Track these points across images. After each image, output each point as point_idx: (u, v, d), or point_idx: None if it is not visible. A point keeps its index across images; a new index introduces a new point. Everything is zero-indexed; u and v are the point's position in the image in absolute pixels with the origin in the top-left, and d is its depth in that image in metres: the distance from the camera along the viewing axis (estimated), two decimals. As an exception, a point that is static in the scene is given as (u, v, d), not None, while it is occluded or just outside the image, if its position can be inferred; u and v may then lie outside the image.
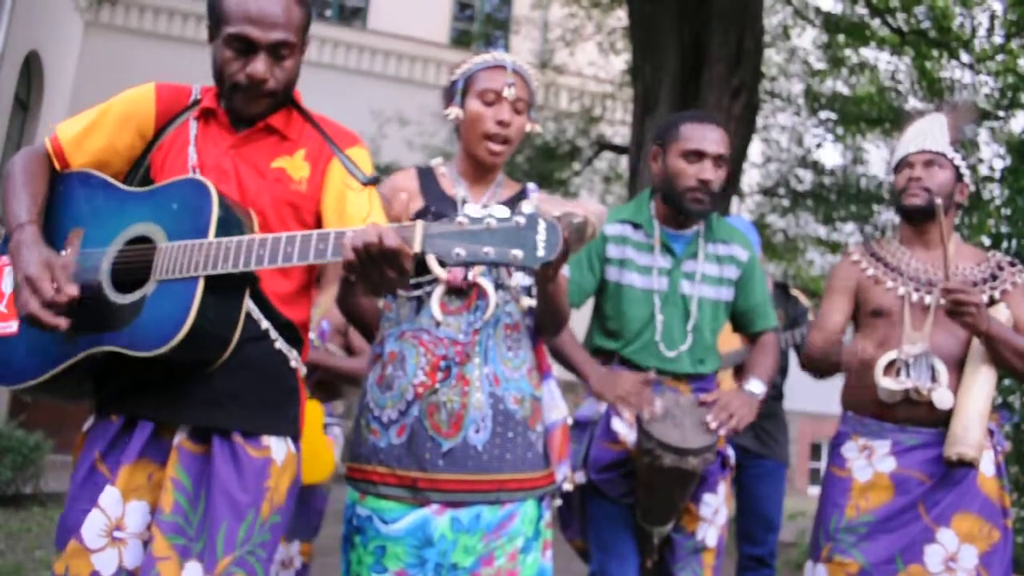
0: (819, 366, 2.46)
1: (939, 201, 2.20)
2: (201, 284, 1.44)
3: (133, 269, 1.52)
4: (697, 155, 2.30)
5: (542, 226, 1.27)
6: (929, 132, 2.39)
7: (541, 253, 1.26)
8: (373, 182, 1.66)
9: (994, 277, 2.35)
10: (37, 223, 1.56)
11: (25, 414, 7.40)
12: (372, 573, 1.82)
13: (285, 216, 1.66)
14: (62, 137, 1.67)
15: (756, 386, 2.31)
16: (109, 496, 1.51)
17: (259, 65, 1.59)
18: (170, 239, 1.50)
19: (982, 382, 2.21)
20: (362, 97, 11.22)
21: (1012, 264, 2.38)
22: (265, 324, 1.60)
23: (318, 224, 1.71)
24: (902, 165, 2.42)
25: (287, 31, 1.60)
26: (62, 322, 1.46)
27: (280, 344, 1.63)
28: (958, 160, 2.37)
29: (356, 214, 1.66)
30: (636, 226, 2.39)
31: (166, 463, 1.54)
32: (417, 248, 1.31)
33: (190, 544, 1.50)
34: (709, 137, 2.31)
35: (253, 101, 1.63)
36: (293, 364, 1.67)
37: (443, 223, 1.31)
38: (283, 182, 1.67)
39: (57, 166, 1.66)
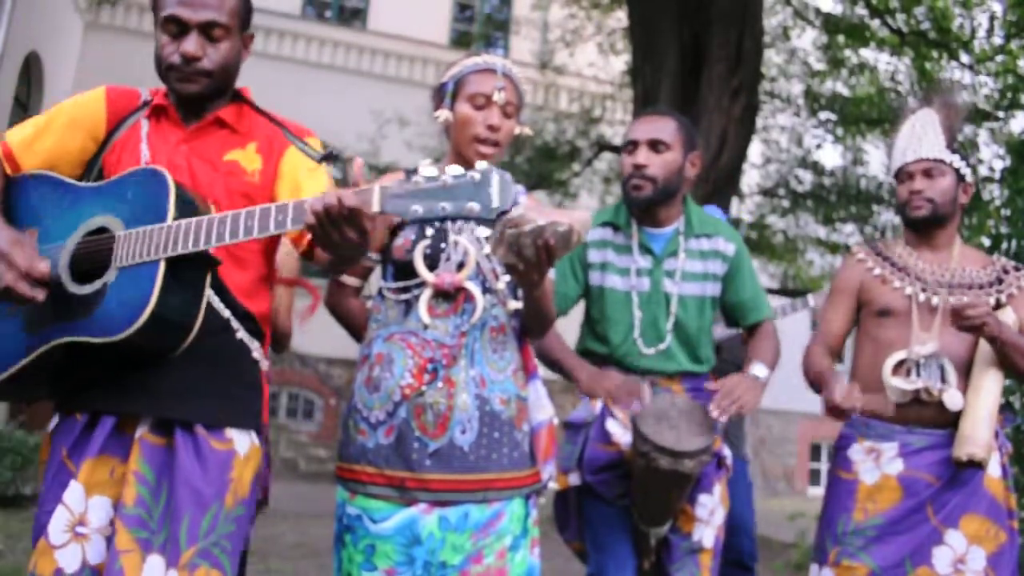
0: (808, 378, 2.45)
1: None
2: (162, 266, 1.46)
3: (93, 261, 1.53)
4: (632, 144, 2.35)
5: (496, 179, 1.30)
6: (923, 136, 2.37)
7: (496, 203, 1.30)
8: (326, 158, 1.69)
9: (999, 280, 2.34)
10: None
11: (25, 415, 7.41)
12: (362, 571, 1.84)
13: (239, 207, 1.64)
14: (12, 141, 1.68)
15: (760, 369, 2.29)
16: (72, 492, 1.53)
17: (190, 44, 1.64)
18: (127, 227, 1.51)
19: (990, 383, 2.21)
20: (362, 98, 11.23)
21: (1017, 268, 2.37)
22: (226, 314, 1.63)
23: None
24: (901, 175, 2.41)
25: (217, 12, 1.66)
26: (40, 293, 1.49)
27: (242, 335, 1.66)
28: (957, 162, 2.36)
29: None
30: (616, 228, 2.40)
31: (127, 458, 1.55)
32: (376, 208, 1.35)
33: (152, 537, 1.51)
34: (639, 127, 2.36)
35: (188, 81, 1.66)
36: (255, 356, 1.69)
37: (400, 183, 1.34)
38: (236, 174, 1.69)
39: (8, 170, 1.67)
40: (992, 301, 2.30)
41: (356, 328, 2.10)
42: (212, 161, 1.69)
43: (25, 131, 1.70)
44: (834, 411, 2.19)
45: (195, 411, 1.58)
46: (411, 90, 11.76)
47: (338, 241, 1.41)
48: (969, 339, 2.26)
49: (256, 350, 1.69)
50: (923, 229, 2.38)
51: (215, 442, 1.58)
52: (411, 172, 2.07)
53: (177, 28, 1.64)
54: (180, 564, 1.49)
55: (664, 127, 2.34)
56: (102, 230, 1.55)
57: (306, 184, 1.71)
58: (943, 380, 2.22)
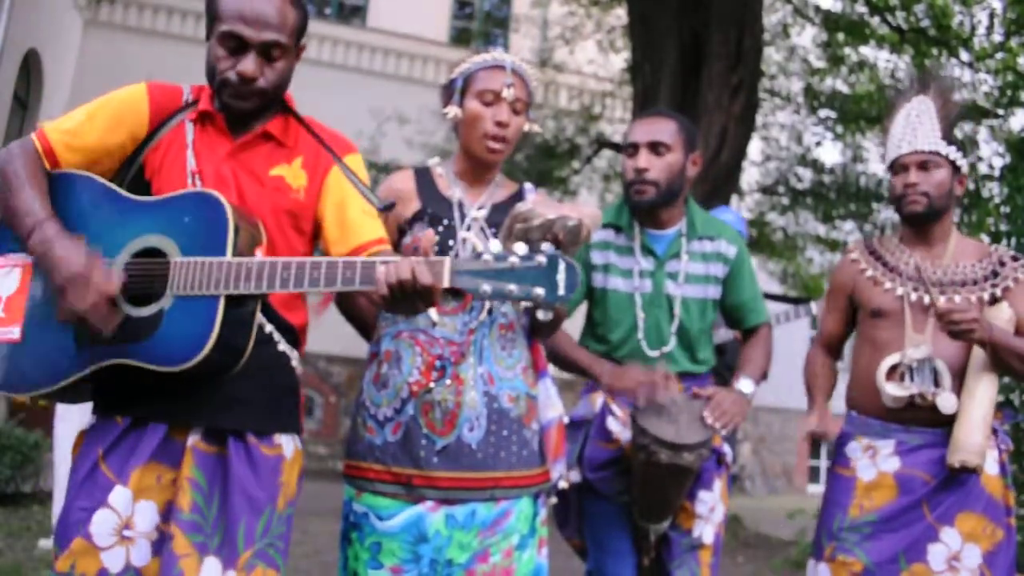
0: (805, 383, 2.51)
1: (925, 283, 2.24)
2: (222, 303, 1.46)
3: (144, 282, 1.51)
4: (633, 147, 2.34)
5: (562, 266, 1.34)
6: (919, 127, 2.33)
7: (562, 292, 1.34)
8: (388, 208, 1.68)
9: (995, 274, 2.30)
10: (56, 218, 1.54)
11: (24, 413, 7.41)
12: (368, 569, 1.84)
13: (283, 224, 1.68)
14: (51, 136, 1.63)
15: (746, 385, 2.31)
16: (120, 496, 1.54)
17: (248, 64, 1.60)
18: (184, 253, 1.49)
19: (984, 386, 2.19)
20: (361, 95, 11.22)
21: (1015, 259, 2.33)
22: (269, 328, 1.65)
23: (316, 232, 1.74)
24: (895, 166, 2.36)
25: (279, 32, 1.62)
26: (115, 321, 1.46)
27: (283, 346, 1.68)
28: (953, 154, 2.31)
29: (358, 223, 1.69)
30: (618, 230, 2.39)
31: (176, 464, 1.57)
32: (446, 284, 1.39)
33: (207, 540, 1.54)
34: (639, 129, 2.36)
35: (241, 98, 1.64)
36: (294, 364, 1.72)
37: (469, 260, 1.38)
38: (282, 191, 1.68)
39: (47, 165, 1.62)
40: (987, 296, 2.28)
41: (365, 326, 2.10)
42: (258, 176, 1.67)
43: (65, 127, 1.64)
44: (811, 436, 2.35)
45: (246, 420, 1.60)
46: (411, 88, 11.77)
47: (405, 310, 1.46)
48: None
49: (295, 359, 1.72)
50: (918, 224, 2.36)
51: (265, 448, 1.61)
52: (421, 170, 2.06)
53: (236, 44, 1.60)
54: (239, 566, 1.53)
55: (664, 128, 2.34)
56: (153, 251, 1.53)
57: (352, 204, 1.70)
58: (936, 383, 2.21)
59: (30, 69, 9.83)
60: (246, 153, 1.68)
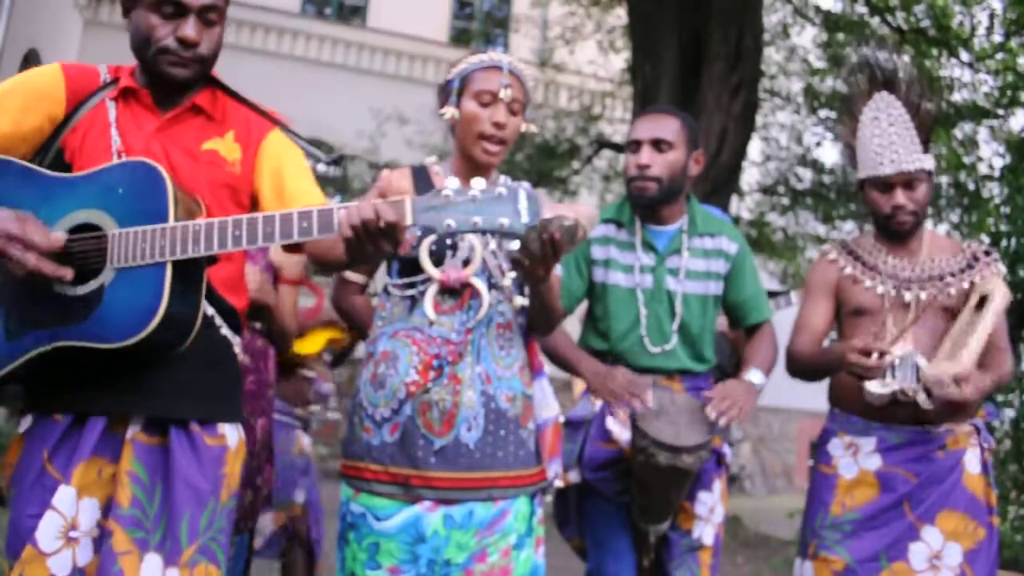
0: (805, 368, 2.39)
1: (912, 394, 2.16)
2: (170, 269, 1.41)
3: (80, 259, 1.46)
4: (636, 144, 2.34)
5: (523, 195, 1.33)
6: (899, 141, 2.29)
7: (525, 219, 1.33)
8: (337, 162, 1.65)
9: (970, 266, 2.33)
10: None
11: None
12: (366, 569, 1.83)
13: (223, 199, 1.63)
14: None
15: (756, 376, 2.29)
16: (64, 496, 1.48)
17: (190, 27, 1.56)
18: (121, 225, 1.44)
19: (976, 337, 2.18)
20: (361, 95, 11.21)
21: (987, 253, 2.36)
22: (211, 311, 1.59)
23: (255, 206, 1.69)
24: (878, 184, 2.31)
25: None
26: (68, 271, 1.42)
27: (225, 331, 1.63)
28: (930, 164, 2.30)
29: (298, 193, 1.65)
30: (620, 225, 2.40)
31: (117, 458, 1.51)
32: (409, 221, 1.36)
33: (148, 536, 1.49)
34: (643, 125, 2.36)
35: (182, 66, 1.59)
36: (236, 351, 1.67)
37: (429, 196, 1.35)
38: (217, 164, 1.63)
39: None
40: (965, 285, 2.29)
41: (361, 325, 2.10)
42: (191, 151, 1.62)
43: None
44: (857, 363, 2.09)
45: (189, 408, 1.55)
46: (411, 88, 11.76)
47: (371, 251, 1.40)
48: (941, 332, 2.25)
49: (236, 344, 1.67)
50: (907, 237, 2.37)
51: (209, 438, 1.56)
52: (419, 168, 2.07)
53: (173, 10, 1.56)
54: (181, 562, 1.47)
55: (667, 126, 2.34)
56: (87, 226, 1.47)
57: (289, 173, 1.67)
58: (918, 379, 2.21)
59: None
60: (175, 128, 1.62)
